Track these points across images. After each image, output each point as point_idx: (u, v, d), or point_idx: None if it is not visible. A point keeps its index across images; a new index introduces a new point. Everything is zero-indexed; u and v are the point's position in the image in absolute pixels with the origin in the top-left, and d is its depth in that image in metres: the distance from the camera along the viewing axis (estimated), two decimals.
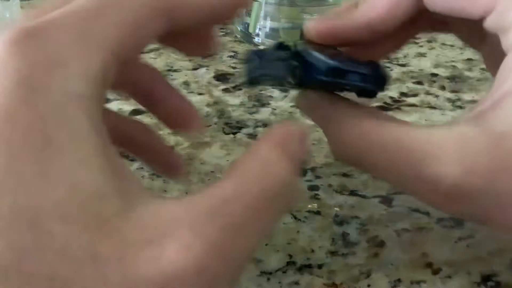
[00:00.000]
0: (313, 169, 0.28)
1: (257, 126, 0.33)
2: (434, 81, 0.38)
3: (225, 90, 0.37)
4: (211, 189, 0.15)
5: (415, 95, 0.36)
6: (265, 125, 0.33)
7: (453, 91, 0.37)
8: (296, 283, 0.21)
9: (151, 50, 0.43)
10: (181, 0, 0.18)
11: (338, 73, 0.19)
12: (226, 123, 0.33)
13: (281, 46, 0.21)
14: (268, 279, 0.21)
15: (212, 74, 0.40)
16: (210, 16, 0.19)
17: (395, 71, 0.40)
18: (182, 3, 0.18)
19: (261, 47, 0.43)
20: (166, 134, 0.29)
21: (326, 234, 0.24)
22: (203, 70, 0.40)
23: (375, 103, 0.35)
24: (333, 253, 0.23)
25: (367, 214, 0.25)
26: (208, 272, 0.13)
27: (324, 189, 0.27)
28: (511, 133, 0.16)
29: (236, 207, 0.14)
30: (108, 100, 0.34)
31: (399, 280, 0.21)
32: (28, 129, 0.14)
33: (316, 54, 0.19)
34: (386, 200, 0.26)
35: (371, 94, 0.20)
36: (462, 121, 0.18)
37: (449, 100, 0.36)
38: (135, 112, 0.33)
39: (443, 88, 0.37)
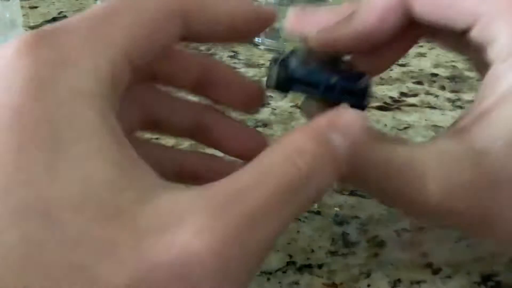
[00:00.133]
0: None
1: (257, 126, 0.33)
2: (434, 81, 0.38)
3: None
4: (230, 178, 0.15)
5: (415, 95, 0.36)
6: (265, 125, 0.33)
7: (453, 91, 0.37)
8: (296, 283, 0.21)
9: None
10: (198, 4, 0.18)
11: (328, 88, 0.20)
12: None
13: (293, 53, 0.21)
14: (268, 279, 0.21)
15: None
16: (230, 28, 0.20)
17: (395, 71, 0.40)
18: (199, 8, 0.18)
19: (261, 47, 0.43)
20: (165, 138, 0.29)
21: (326, 234, 0.24)
22: None
23: (375, 103, 0.35)
24: (333, 253, 0.23)
25: (367, 214, 0.25)
26: (223, 257, 0.13)
27: None
28: (492, 151, 0.16)
29: (255, 197, 0.14)
30: None
31: (399, 280, 0.21)
32: (37, 124, 0.14)
33: (307, 66, 0.20)
34: None
35: (360, 108, 0.21)
36: (446, 137, 0.18)
37: (449, 100, 0.36)
38: None
39: (443, 88, 0.37)
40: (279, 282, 0.21)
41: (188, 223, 0.13)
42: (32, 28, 0.49)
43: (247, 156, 0.18)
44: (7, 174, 0.13)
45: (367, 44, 0.21)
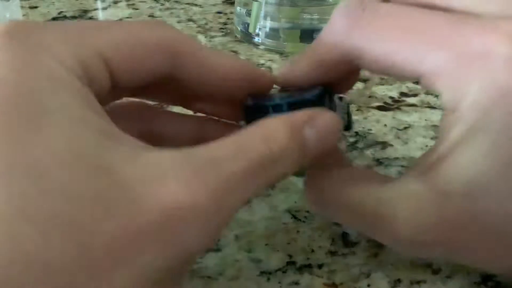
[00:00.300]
0: None
1: None
2: None
3: None
4: (209, 146, 0.16)
5: (415, 95, 0.36)
6: None
7: None
8: (296, 283, 0.21)
9: None
10: (189, 47, 0.20)
11: (275, 107, 0.21)
12: None
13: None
14: (268, 279, 0.21)
15: None
16: (220, 80, 0.21)
17: None
18: (190, 50, 0.20)
19: (261, 47, 0.43)
20: None
21: (326, 234, 0.24)
22: None
23: (375, 103, 0.35)
24: (333, 253, 0.23)
25: None
26: (203, 210, 0.15)
27: None
28: (454, 193, 0.17)
29: (231, 166, 0.15)
30: None
31: (399, 280, 0.21)
32: (21, 94, 0.15)
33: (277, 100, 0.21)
34: None
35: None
36: (412, 177, 0.19)
37: None
38: None
39: None
40: (279, 282, 0.21)
41: (172, 177, 0.15)
42: None
43: None
44: None
45: (324, 78, 0.22)
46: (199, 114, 0.24)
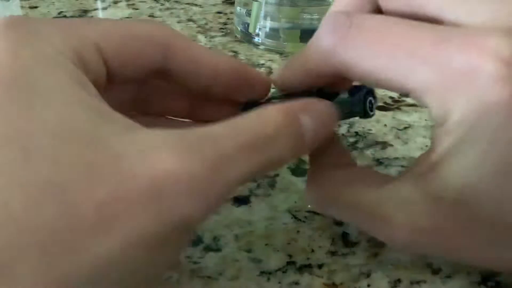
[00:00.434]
0: None
1: None
2: None
3: None
4: (205, 127, 0.16)
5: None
6: None
7: None
8: (296, 283, 0.21)
9: None
10: (181, 42, 0.21)
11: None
12: None
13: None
14: (268, 279, 0.21)
15: None
16: (211, 77, 0.22)
17: None
18: (182, 45, 0.21)
19: (261, 47, 0.43)
20: None
21: (326, 234, 0.24)
22: None
23: None
24: (333, 253, 0.23)
25: None
26: (196, 179, 0.15)
27: None
28: (447, 199, 0.18)
29: (225, 143, 0.16)
30: None
31: (399, 280, 0.21)
32: (17, 76, 0.15)
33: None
34: None
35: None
36: (407, 181, 0.19)
37: None
38: None
39: None
40: (279, 282, 0.21)
41: (165, 149, 0.15)
42: None
43: None
44: None
45: (317, 84, 0.22)
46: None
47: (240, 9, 0.45)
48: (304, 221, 0.24)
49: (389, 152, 0.29)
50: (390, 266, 0.22)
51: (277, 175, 0.27)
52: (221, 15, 0.52)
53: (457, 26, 0.19)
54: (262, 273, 0.22)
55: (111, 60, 0.19)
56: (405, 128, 0.32)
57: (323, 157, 0.23)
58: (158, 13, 0.52)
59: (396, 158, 0.29)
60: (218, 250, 0.23)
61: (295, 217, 0.25)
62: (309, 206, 0.25)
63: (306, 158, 0.28)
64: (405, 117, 0.33)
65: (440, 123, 0.18)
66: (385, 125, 0.32)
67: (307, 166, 0.28)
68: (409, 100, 0.35)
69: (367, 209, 0.20)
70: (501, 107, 0.16)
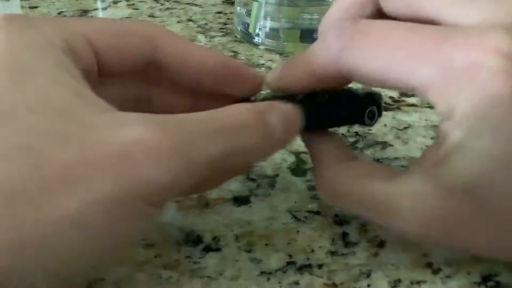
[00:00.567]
0: (312, 169, 0.28)
1: None
2: None
3: None
4: (178, 115, 0.17)
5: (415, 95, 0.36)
6: None
7: None
8: (296, 283, 0.21)
9: None
10: (169, 36, 0.22)
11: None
12: None
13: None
14: (268, 279, 0.21)
15: None
16: (198, 71, 0.23)
17: None
18: (169, 40, 0.22)
19: (261, 47, 0.43)
20: None
21: (326, 234, 0.24)
22: None
23: None
24: (333, 253, 0.23)
25: None
26: (161, 149, 0.16)
27: None
28: (457, 191, 0.18)
29: (195, 127, 0.17)
30: None
31: (399, 280, 0.21)
32: (8, 60, 0.17)
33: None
34: None
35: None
36: (416, 175, 0.19)
37: None
38: None
39: None
40: (279, 282, 0.21)
41: (137, 124, 0.16)
42: None
43: None
44: None
45: (316, 87, 0.22)
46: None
47: (240, 9, 0.45)
48: (304, 221, 0.24)
49: (389, 152, 0.29)
50: (390, 266, 0.22)
51: (277, 175, 0.28)
52: (221, 15, 0.52)
53: (456, 26, 0.19)
54: (262, 273, 0.22)
55: (101, 51, 0.21)
56: (405, 128, 0.32)
57: (326, 153, 0.23)
58: (158, 13, 0.52)
59: (396, 158, 0.29)
60: (218, 250, 0.23)
61: (295, 217, 0.25)
62: (309, 206, 0.25)
63: (306, 158, 0.28)
64: (405, 117, 0.33)
65: (446, 118, 0.18)
66: (385, 125, 0.32)
67: (307, 166, 0.28)
68: (409, 100, 0.35)
69: (379, 201, 0.20)
70: (505, 99, 0.17)
